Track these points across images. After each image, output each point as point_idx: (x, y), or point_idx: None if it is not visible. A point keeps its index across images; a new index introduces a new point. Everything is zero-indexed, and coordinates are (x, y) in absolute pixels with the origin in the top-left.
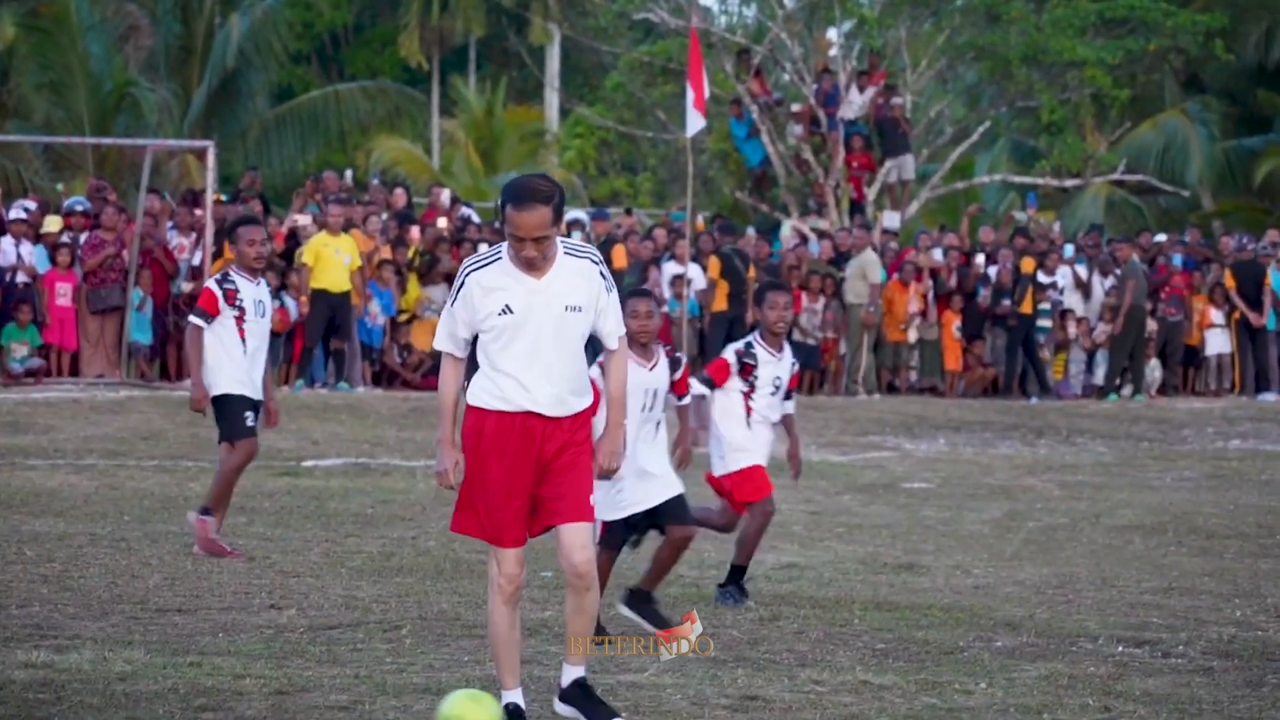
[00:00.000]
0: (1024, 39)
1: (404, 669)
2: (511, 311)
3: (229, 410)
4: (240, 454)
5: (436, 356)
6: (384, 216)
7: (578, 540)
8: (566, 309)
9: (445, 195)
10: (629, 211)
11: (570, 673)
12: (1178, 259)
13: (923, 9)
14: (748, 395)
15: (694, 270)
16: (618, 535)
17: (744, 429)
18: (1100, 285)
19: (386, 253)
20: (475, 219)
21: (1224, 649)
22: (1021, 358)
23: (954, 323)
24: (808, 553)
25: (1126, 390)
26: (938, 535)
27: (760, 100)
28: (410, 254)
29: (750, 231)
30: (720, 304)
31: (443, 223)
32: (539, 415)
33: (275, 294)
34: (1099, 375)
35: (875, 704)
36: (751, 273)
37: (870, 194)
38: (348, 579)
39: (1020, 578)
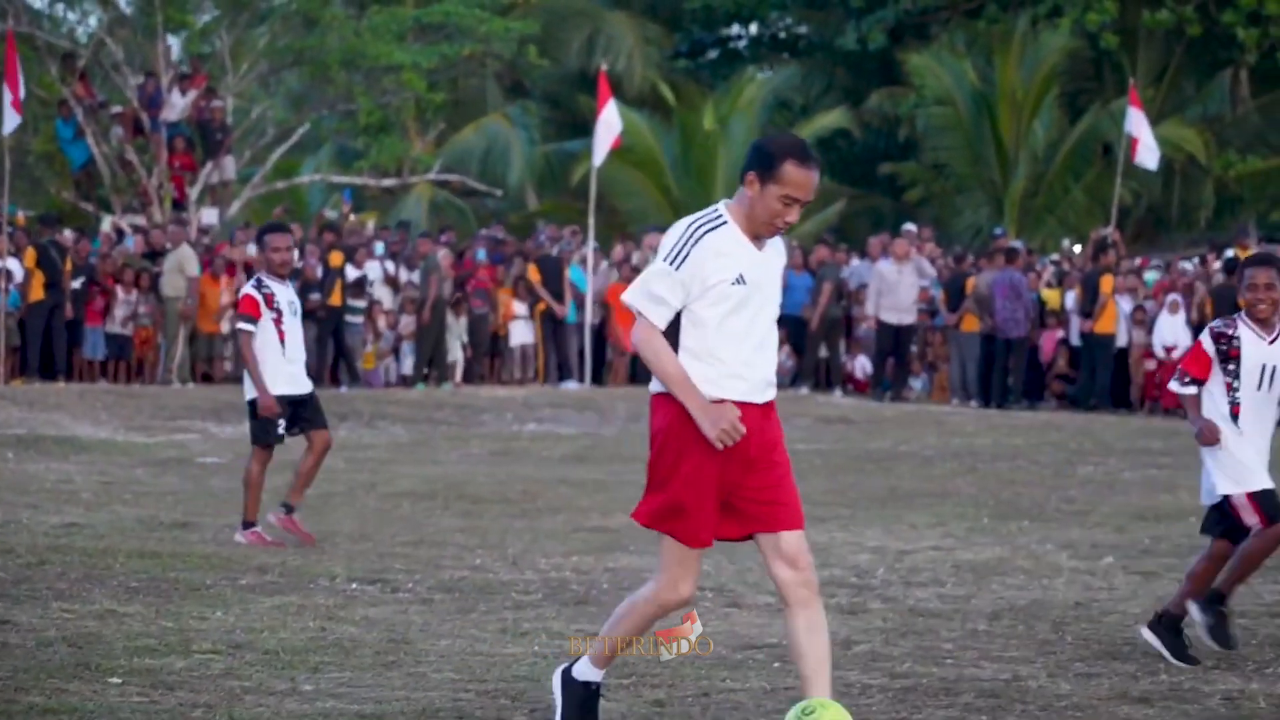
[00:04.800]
0: (343, 43)
1: None
2: (745, 282)
3: (262, 416)
4: (261, 462)
5: None
6: None
7: (802, 546)
8: (780, 287)
9: None
10: None
11: None
12: (482, 253)
13: (244, 13)
14: None
15: (12, 264)
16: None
17: None
18: (409, 279)
19: None
20: None
21: (449, 585)
22: (332, 348)
23: None
24: (91, 514)
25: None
26: (219, 501)
27: (85, 103)
28: None
29: (66, 232)
30: (38, 294)
31: None
32: (750, 404)
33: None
34: (407, 365)
35: (117, 627)
36: (69, 265)
37: (193, 193)
38: None
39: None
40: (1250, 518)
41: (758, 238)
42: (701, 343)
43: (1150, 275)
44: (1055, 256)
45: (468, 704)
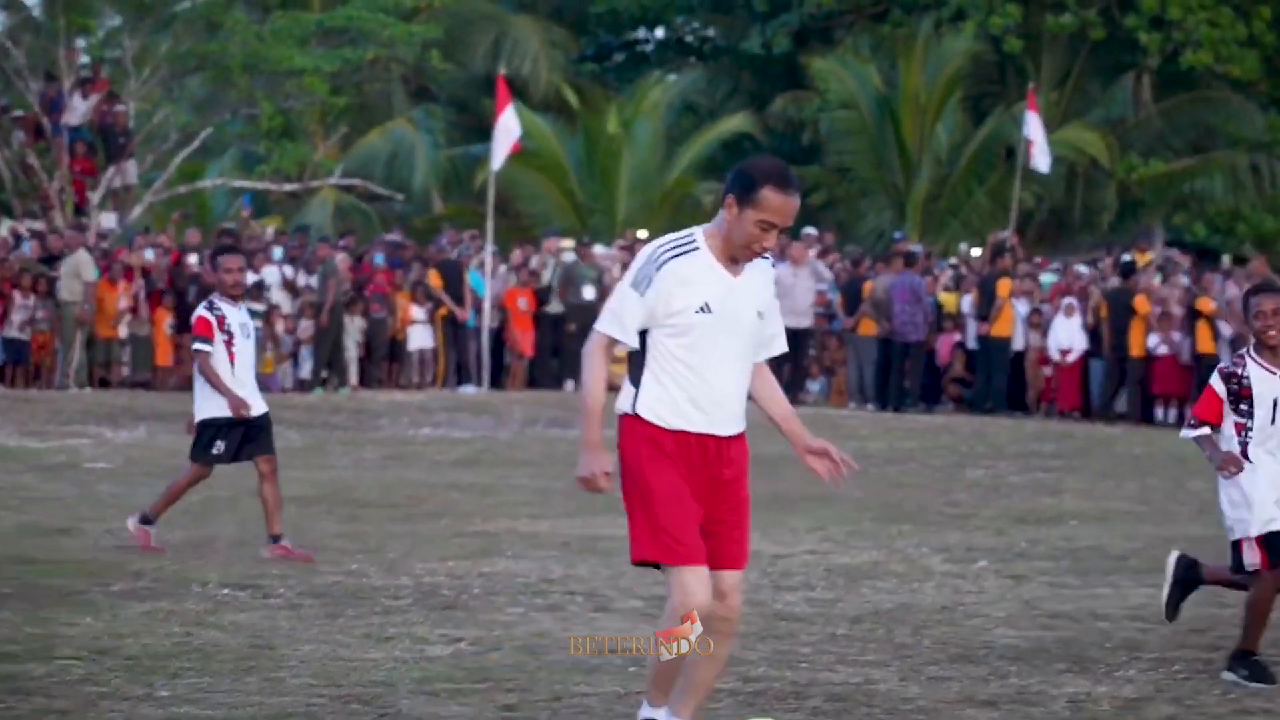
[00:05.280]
0: (245, 48)
1: None
2: (710, 310)
3: (205, 435)
4: (192, 476)
5: None
6: None
7: (738, 584)
8: (758, 314)
9: None
10: None
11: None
12: (380, 258)
13: (148, 19)
14: None
15: None
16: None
17: None
18: (307, 283)
19: None
20: None
21: (320, 591)
22: None
23: (166, 320)
24: None
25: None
26: (104, 506)
27: None
28: None
29: None
30: None
31: None
32: (714, 436)
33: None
34: (306, 370)
35: None
36: None
37: (95, 198)
38: None
39: (167, 538)
40: (1252, 557)
41: (735, 261)
42: (663, 368)
43: (1047, 279)
44: (953, 260)
45: (320, 709)
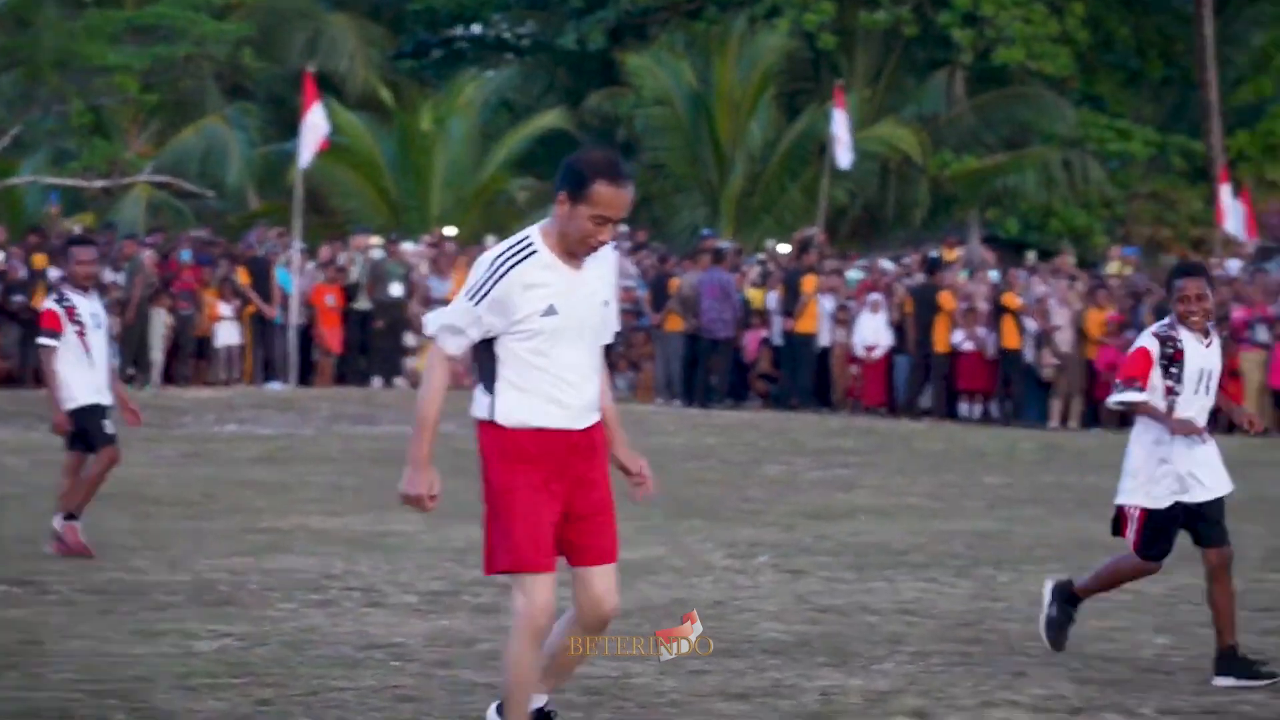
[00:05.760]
0: (56, 45)
1: None
2: (556, 312)
3: (90, 420)
4: (105, 460)
5: None
6: None
7: (610, 584)
8: (605, 304)
9: None
10: None
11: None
12: (187, 254)
13: None
14: None
15: None
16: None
17: None
18: (114, 280)
19: None
20: None
21: (98, 587)
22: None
23: None
24: None
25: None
26: None
27: None
28: None
29: None
30: None
31: None
32: (570, 430)
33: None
34: None
35: None
36: None
37: None
38: None
39: None
40: (1130, 534)
41: (573, 257)
42: (518, 373)
43: (853, 275)
44: (762, 256)
45: (75, 704)
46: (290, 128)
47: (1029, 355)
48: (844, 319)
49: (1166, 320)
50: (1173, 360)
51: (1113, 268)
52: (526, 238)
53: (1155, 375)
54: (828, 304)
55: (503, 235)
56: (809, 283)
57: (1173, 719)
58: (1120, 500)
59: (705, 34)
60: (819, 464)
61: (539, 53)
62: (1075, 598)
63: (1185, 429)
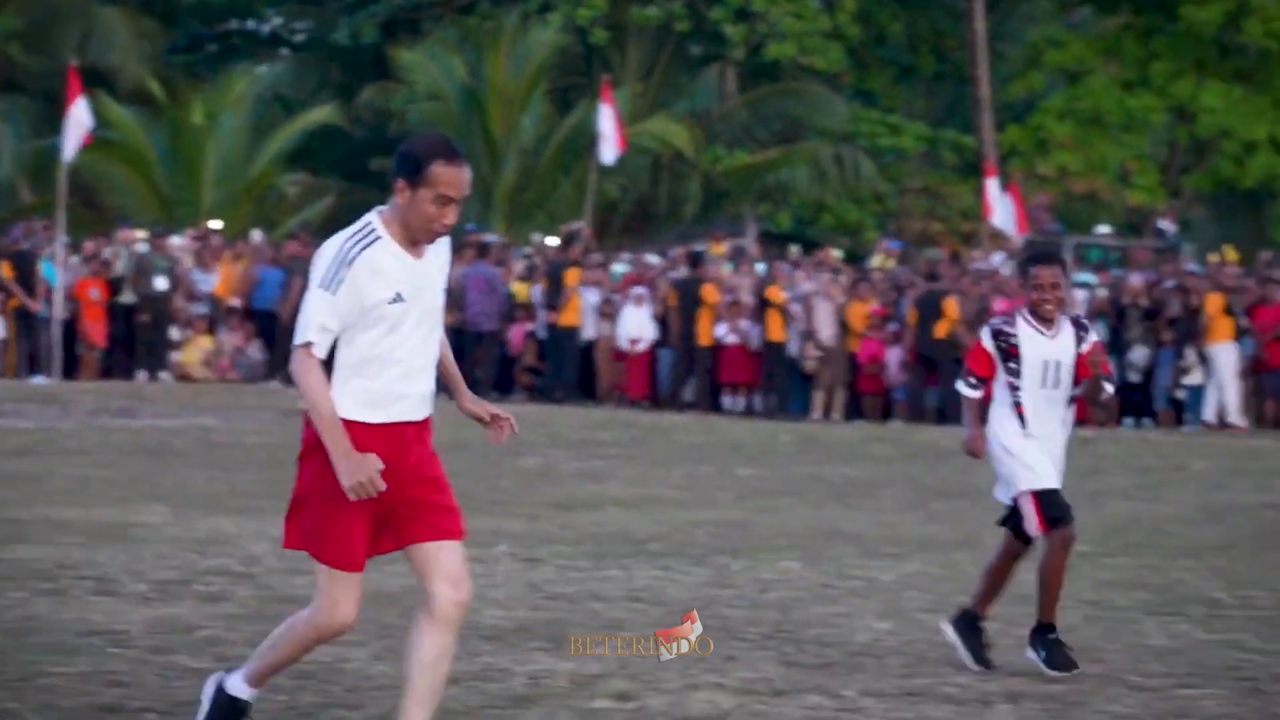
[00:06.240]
0: None
1: None
2: (403, 299)
3: None
4: None
5: None
6: None
7: (464, 564)
8: (444, 292)
9: None
10: None
11: None
12: None
13: None
14: None
15: None
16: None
17: None
18: None
19: None
20: None
21: None
22: None
23: None
24: None
25: None
26: None
27: None
28: None
29: None
30: None
31: None
32: (410, 422)
33: None
34: None
35: None
36: None
37: None
38: None
39: None
40: (1031, 521)
41: (416, 244)
42: (362, 364)
43: (618, 269)
44: (528, 250)
45: None
46: (62, 122)
47: (793, 348)
48: (608, 312)
49: (1013, 313)
50: (1008, 355)
51: (876, 261)
52: (369, 224)
53: (999, 370)
54: (592, 297)
55: (272, 230)
56: (572, 276)
57: (875, 700)
58: (1009, 496)
59: (478, 29)
60: (576, 456)
61: (313, 48)
62: (977, 615)
63: (968, 449)
